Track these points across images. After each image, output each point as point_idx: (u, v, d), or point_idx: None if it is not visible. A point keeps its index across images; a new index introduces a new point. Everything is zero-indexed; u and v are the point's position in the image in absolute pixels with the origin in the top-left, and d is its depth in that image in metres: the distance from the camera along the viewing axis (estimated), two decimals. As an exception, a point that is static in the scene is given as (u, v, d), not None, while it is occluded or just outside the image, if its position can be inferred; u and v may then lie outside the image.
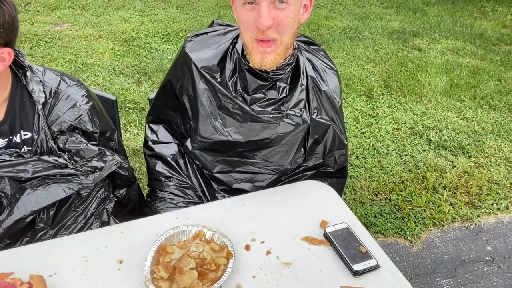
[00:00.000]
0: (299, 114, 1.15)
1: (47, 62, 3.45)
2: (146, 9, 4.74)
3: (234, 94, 1.13)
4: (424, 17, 5.16)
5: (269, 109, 1.13)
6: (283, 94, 1.14)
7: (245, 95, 1.14)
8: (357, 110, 3.10)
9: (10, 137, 1.04)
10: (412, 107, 3.16)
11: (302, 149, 1.24)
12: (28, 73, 1.02)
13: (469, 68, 3.82)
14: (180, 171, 1.29)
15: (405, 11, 5.34)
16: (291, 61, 1.12)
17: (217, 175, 1.27)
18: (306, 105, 1.16)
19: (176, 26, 4.34)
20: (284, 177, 1.31)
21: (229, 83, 1.13)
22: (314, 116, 1.18)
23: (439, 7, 5.55)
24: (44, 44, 3.75)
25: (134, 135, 2.65)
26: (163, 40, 4.02)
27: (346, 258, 0.94)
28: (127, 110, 2.88)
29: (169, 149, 1.30)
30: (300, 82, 1.13)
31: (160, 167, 1.29)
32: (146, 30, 4.16)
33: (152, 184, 1.30)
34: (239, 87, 1.14)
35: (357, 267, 0.92)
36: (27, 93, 1.03)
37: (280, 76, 1.13)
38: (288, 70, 1.13)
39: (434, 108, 3.17)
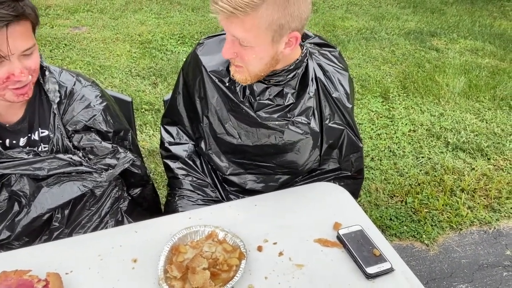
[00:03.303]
0: (306, 122, 1.13)
1: (66, 65, 3.52)
2: (162, 12, 4.80)
3: (241, 99, 1.13)
4: (442, 17, 5.08)
5: (275, 115, 1.13)
6: (290, 101, 1.13)
7: (252, 100, 1.14)
8: (373, 111, 3.06)
9: (29, 135, 1.07)
10: (430, 109, 3.11)
11: (318, 156, 1.23)
12: (46, 73, 1.05)
13: (489, 68, 3.74)
14: (197, 170, 1.31)
15: (422, 11, 5.26)
16: (292, 67, 1.11)
17: (230, 177, 1.28)
18: (316, 112, 1.14)
19: (191, 28, 4.38)
20: (299, 179, 1.30)
21: (237, 88, 1.14)
22: (327, 122, 1.17)
23: (458, 7, 5.44)
24: (63, 47, 3.84)
25: (149, 136, 2.68)
26: (178, 42, 4.06)
27: (360, 261, 0.93)
28: (143, 112, 2.92)
29: (185, 149, 1.31)
30: (308, 89, 1.12)
31: (177, 166, 1.31)
32: (162, 33, 4.21)
33: (171, 183, 1.32)
34: (247, 92, 1.14)
35: (371, 270, 0.91)
36: (44, 92, 1.06)
37: (282, 82, 1.12)
38: (289, 76, 1.12)
39: (452, 110, 3.11)
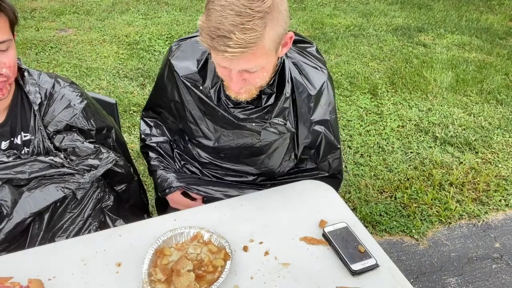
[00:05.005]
0: (282, 123, 1.12)
1: (53, 68, 3.48)
2: (149, 12, 4.77)
3: (216, 102, 1.12)
4: (429, 12, 5.11)
5: (253, 117, 1.12)
6: (268, 102, 1.11)
7: (229, 103, 1.12)
8: (362, 108, 3.07)
9: (12, 139, 1.06)
10: (418, 104, 3.13)
11: (293, 154, 1.23)
12: (25, 74, 1.04)
13: (476, 62, 3.77)
14: (172, 157, 1.32)
15: (409, 6, 5.29)
16: (274, 73, 1.10)
17: (209, 165, 1.29)
18: (292, 113, 1.13)
19: (179, 28, 4.35)
20: (279, 179, 1.30)
21: (212, 91, 1.12)
22: (302, 123, 1.15)
23: (445, 2, 5.48)
24: (49, 49, 3.80)
25: (138, 138, 2.66)
26: (166, 42, 4.03)
27: (345, 258, 0.93)
28: (131, 113, 2.90)
29: (162, 141, 1.33)
30: (285, 90, 1.10)
31: (153, 153, 1.32)
32: (149, 33, 4.18)
33: (150, 167, 1.32)
34: (222, 95, 1.12)
35: (356, 266, 0.92)
36: (25, 96, 1.05)
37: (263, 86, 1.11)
38: (270, 81, 1.10)
39: (440, 104, 3.13)
